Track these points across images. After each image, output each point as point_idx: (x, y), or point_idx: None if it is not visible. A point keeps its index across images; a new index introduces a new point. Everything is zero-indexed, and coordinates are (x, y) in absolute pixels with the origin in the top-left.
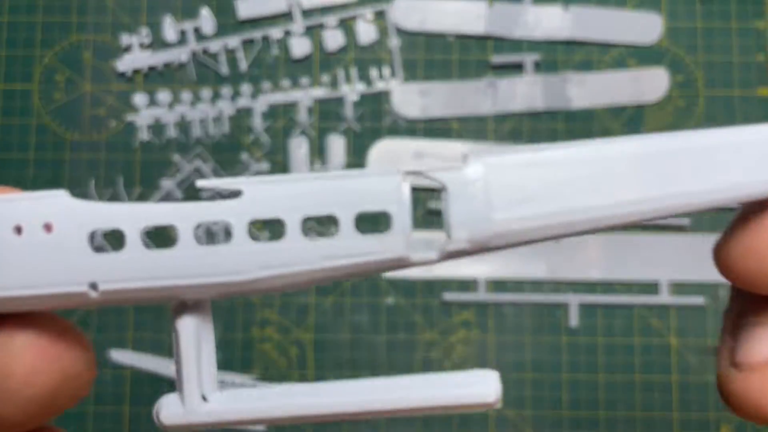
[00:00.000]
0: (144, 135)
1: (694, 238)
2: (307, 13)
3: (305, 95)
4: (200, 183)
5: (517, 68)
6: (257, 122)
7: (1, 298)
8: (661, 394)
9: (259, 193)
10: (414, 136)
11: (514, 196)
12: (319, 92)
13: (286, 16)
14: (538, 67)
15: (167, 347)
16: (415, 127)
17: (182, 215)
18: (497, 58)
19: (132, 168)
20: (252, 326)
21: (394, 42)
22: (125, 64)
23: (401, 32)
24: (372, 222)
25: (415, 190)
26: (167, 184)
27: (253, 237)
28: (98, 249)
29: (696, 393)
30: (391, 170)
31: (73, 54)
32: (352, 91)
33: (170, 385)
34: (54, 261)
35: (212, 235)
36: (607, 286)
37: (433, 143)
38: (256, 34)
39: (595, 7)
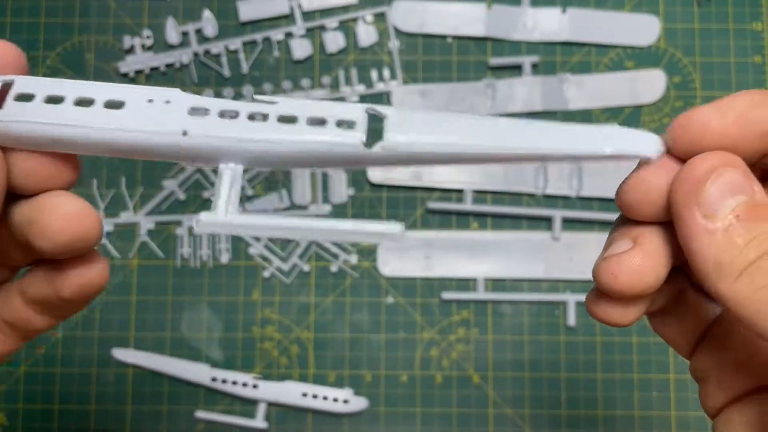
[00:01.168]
0: None
1: None
2: (307, 15)
3: (306, 96)
4: (257, 97)
5: (515, 70)
6: None
7: (133, 136)
8: (659, 393)
9: (288, 104)
10: None
11: (423, 130)
12: (320, 93)
13: (287, 18)
14: (537, 68)
15: (168, 346)
16: None
17: (236, 106)
18: (496, 60)
19: (134, 168)
20: (253, 325)
21: (393, 44)
22: (127, 65)
23: (401, 34)
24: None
25: (370, 115)
26: (169, 184)
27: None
28: (190, 114)
29: (694, 392)
30: (359, 105)
31: (75, 55)
32: (352, 92)
33: (171, 382)
34: (167, 116)
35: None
36: None
37: None
38: (258, 36)
39: (592, 9)
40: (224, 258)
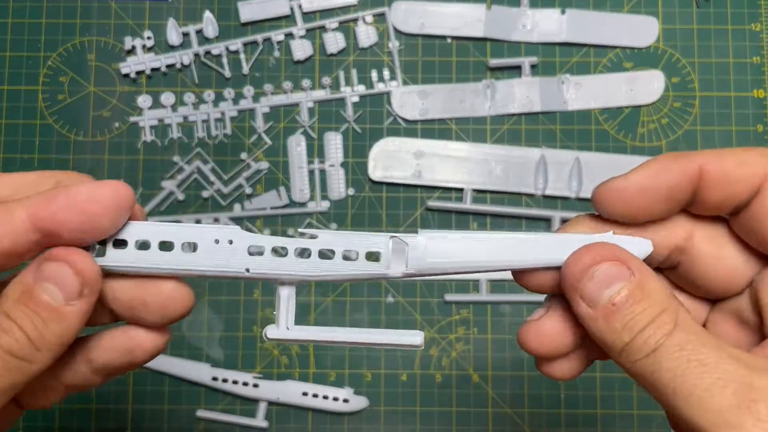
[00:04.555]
0: (147, 136)
1: None
2: (307, 16)
3: (306, 97)
4: (301, 230)
5: (514, 70)
6: (259, 123)
7: (207, 272)
8: None
9: (325, 237)
10: (413, 137)
11: (438, 252)
12: (320, 94)
13: (287, 19)
14: (536, 69)
15: (169, 346)
16: (415, 128)
17: (284, 242)
18: (495, 61)
19: (135, 168)
20: (254, 325)
21: (393, 44)
22: (129, 66)
23: (401, 35)
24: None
25: (395, 241)
26: (168, 184)
27: (320, 257)
28: (251, 254)
29: None
30: (383, 234)
31: (77, 56)
32: (352, 92)
33: (172, 382)
34: (232, 257)
35: (302, 252)
36: None
37: (432, 144)
38: (258, 37)
39: (591, 10)
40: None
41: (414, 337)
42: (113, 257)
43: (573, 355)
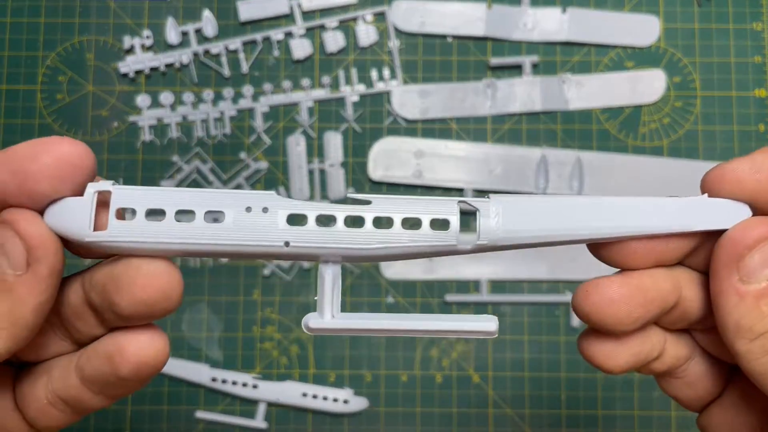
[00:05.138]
0: (146, 136)
1: None
2: (307, 14)
3: (306, 96)
4: (351, 195)
5: (515, 70)
6: (258, 123)
7: (238, 248)
8: (659, 393)
9: (380, 203)
10: (413, 137)
11: (513, 220)
12: (320, 93)
13: (287, 18)
14: (537, 68)
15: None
16: (415, 128)
17: (337, 209)
18: (496, 60)
19: (134, 168)
20: (253, 325)
21: (393, 43)
22: (127, 65)
23: (401, 34)
24: (440, 224)
25: (462, 211)
26: (167, 184)
27: (376, 226)
28: (291, 224)
29: None
30: (449, 199)
31: (75, 55)
32: (352, 92)
33: (171, 382)
34: (268, 228)
35: (354, 221)
36: None
37: (433, 143)
38: (257, 36)
39: (592, 9)
40: (224, 257)
41: (487, 323)
42: (113, 230)
43: (628, 341)
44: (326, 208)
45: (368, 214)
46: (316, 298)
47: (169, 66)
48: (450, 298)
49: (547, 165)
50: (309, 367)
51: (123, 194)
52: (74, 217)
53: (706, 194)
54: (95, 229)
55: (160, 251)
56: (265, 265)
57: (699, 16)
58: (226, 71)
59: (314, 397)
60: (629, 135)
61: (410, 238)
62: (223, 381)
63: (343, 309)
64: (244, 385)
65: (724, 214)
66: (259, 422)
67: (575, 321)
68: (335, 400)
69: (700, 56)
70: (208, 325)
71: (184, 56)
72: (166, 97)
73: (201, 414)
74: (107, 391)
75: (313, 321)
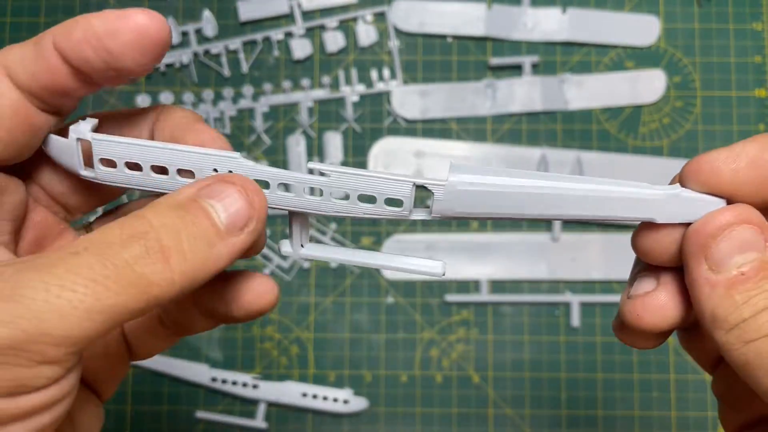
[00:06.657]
0: None
1: None
2: (307, 15)
3: (306, 96)
4: (311, 165)
5: (515, 70)
6: (258, 123)
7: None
8: (659, 393)
9: (338, 178)
10: (413, 137)
11: (466, 203)
12: (320, 93)
13: (286, 18)
14: (537, 68)
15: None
16: (415, 128)
17: (293, 178)
18: (496, 60)
19: None
20: (253, 325)
21: (393, 43)
22: None
23: (401, 34)
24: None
25: (417, 187)
26: None
27: (335, 197)
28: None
29: (694, 392)
30: (407, 177)
31: None
32: (352, 92)
33: (171, 383)
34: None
35: (312, 191)
36: (606, 285)
37: (432, 143)
38: (257, 36)
39: (592, 9)
40: None
41: (434, 264)
42: (100, 173)
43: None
44: (287, 177)
45: (326, 189)
46: (287, 230)
47: (169, 66)
48: (450, 298)
49: (547, 165)
50: (309, 367)
51: (104, 146)
52: (67, 153)
53: (678, 184)
54: (86, 165)
55: (144, 191)
56: (265, 265)
57: (699, 16)
58: (226, 71)
59: (314, 397)
60: (629, 135)
61: (366, 208)
62: (223, 381)
63: (343, 309)
64: (244, 385)
65: (701, 207)
66: (259, 422)
67: (575, 321)
68: (335, 400)
69: (700, 56)
70: None
71: (184, 56)
72: (166, 97)
73: (201, 414)
74: (220, 320)
75: (284, 247)
